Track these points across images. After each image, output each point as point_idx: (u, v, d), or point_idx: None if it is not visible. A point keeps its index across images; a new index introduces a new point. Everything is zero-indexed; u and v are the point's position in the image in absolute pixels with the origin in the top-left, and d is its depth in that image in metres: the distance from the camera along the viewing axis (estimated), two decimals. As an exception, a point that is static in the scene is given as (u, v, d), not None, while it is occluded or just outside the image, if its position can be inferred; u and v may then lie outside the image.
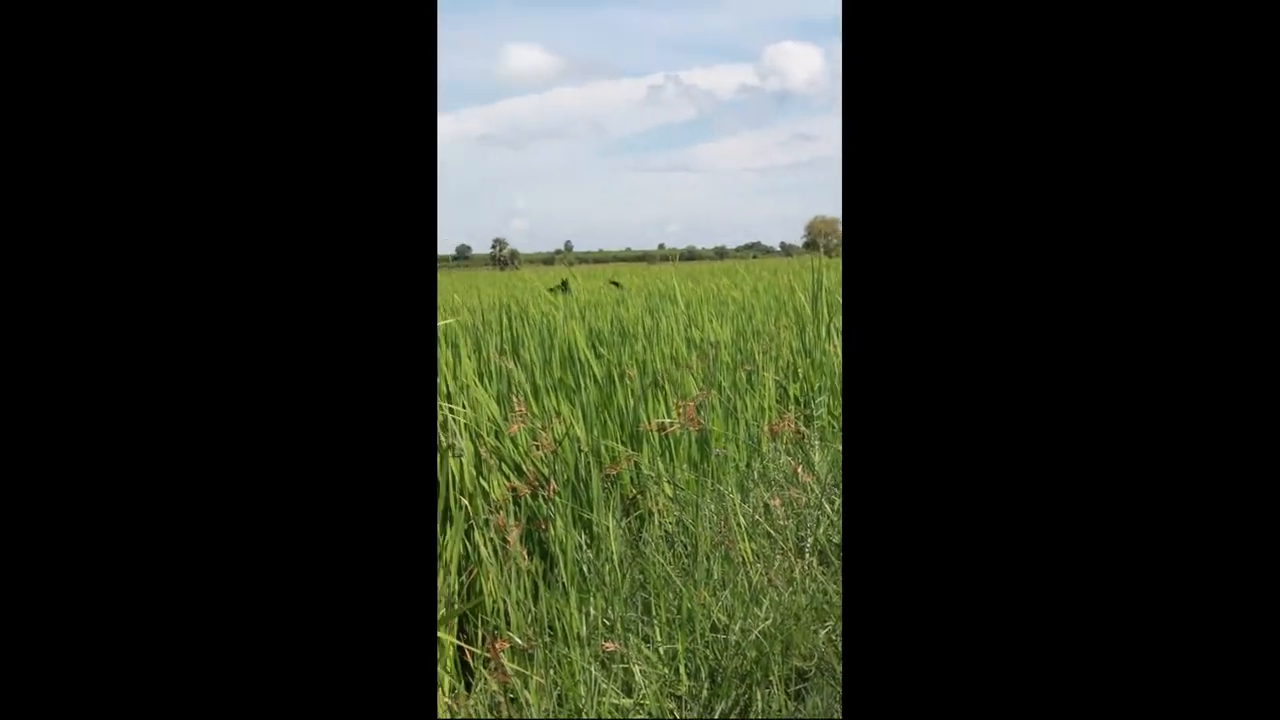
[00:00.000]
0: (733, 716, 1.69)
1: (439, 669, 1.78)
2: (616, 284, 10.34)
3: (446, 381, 2.51)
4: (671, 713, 1.69)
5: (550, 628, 1.88)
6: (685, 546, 2.24)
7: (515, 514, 2.14)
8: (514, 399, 2.35)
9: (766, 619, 1.85)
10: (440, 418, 2.40)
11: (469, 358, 2.74)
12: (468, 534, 2.14)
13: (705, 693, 1.73)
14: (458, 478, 2.13)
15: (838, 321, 4.28)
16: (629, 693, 1.72)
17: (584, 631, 1.87)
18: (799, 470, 2.63)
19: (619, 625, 1.91)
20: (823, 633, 1.86)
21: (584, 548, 2.14)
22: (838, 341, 4.06)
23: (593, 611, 1.93)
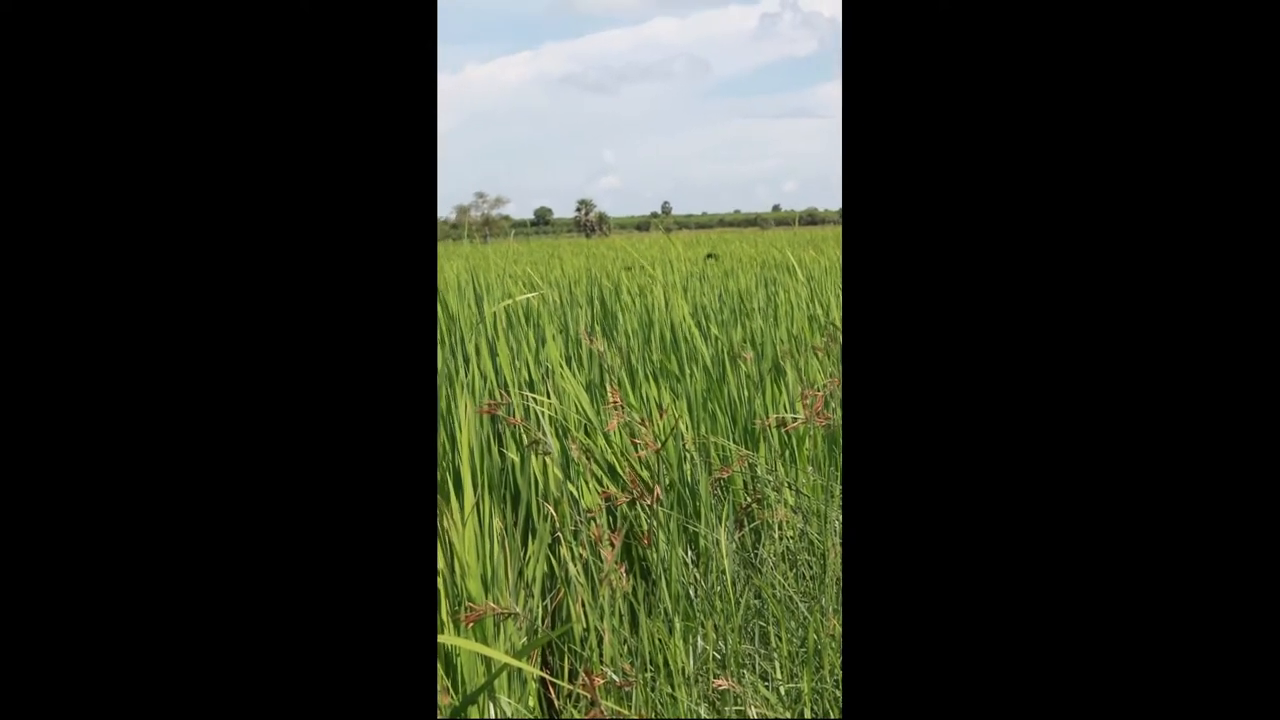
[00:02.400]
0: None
1: (519, 704, 1.77)
2: (713, 256, 10.26)
3: (529, 367, 2.51)
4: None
5: (651, 661, 1.85)
6: (810, 566, 2.18)
7: (611, 525, 2.11)
8: (608, 388, 2.33)
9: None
10: (522, 408, 2.40)
11: (554, 339, 2.73)
12: (553, 548, 2.12)
13: (838, 745, 1.68)
14: (541, 481, 2.12)
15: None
16: (745, 742, 1.68)
17: (690, 667, 1.84)
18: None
19: (732, 660, 1.87)
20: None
21: (690, 566, 2.10)
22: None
23: (701, 643, 1.89)
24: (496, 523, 1.88)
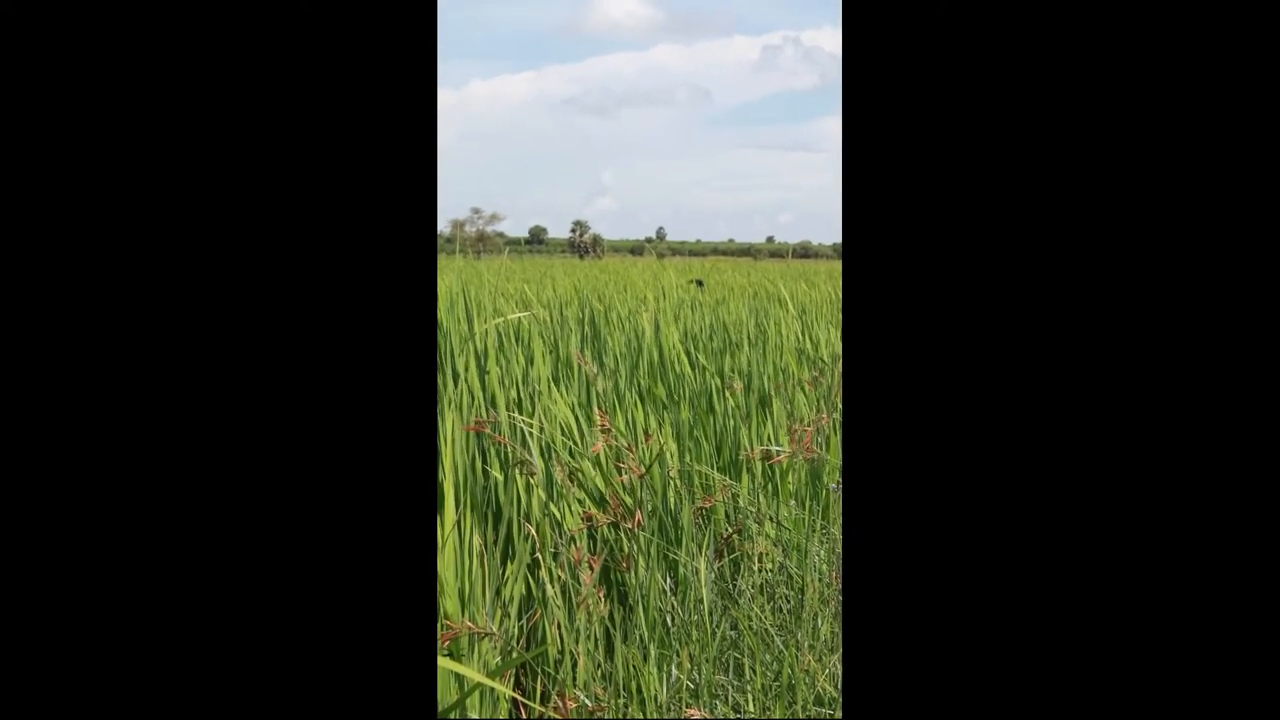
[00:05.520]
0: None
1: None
2: (699, 283, 10.25)
3: (518, 387, 2.51)
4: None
5: (624, 688, 1.85)
6: (788, 600, 2.18)
7: (591, 548, 2.11)
8: (596, 410, 2.33)
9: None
10: (510, 428, 2.40)
11: (544, 360, 2.74)
12: (532, 569, 2.12)
13: (807, 781, 1.68)
14: (525, 501, 2.12)
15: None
16: (715, 773, 1.68)
17: (664, 695, 1.83)
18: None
19: (705, 690, 1.87)
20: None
21: (668, 594, 2.10)
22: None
23: (675, 672, 1.89)
24: (476, 541, 1.88)
